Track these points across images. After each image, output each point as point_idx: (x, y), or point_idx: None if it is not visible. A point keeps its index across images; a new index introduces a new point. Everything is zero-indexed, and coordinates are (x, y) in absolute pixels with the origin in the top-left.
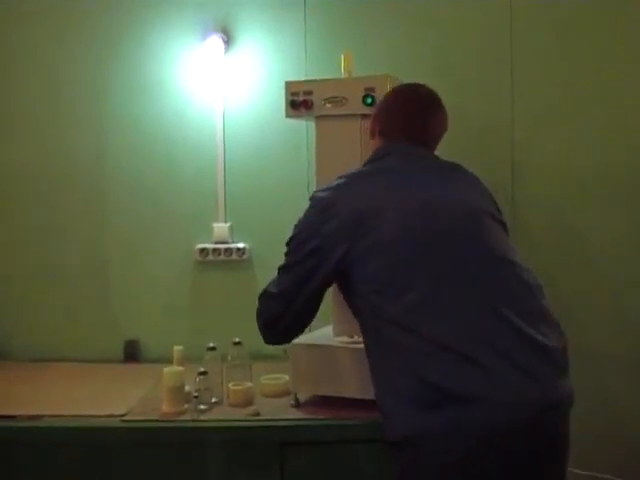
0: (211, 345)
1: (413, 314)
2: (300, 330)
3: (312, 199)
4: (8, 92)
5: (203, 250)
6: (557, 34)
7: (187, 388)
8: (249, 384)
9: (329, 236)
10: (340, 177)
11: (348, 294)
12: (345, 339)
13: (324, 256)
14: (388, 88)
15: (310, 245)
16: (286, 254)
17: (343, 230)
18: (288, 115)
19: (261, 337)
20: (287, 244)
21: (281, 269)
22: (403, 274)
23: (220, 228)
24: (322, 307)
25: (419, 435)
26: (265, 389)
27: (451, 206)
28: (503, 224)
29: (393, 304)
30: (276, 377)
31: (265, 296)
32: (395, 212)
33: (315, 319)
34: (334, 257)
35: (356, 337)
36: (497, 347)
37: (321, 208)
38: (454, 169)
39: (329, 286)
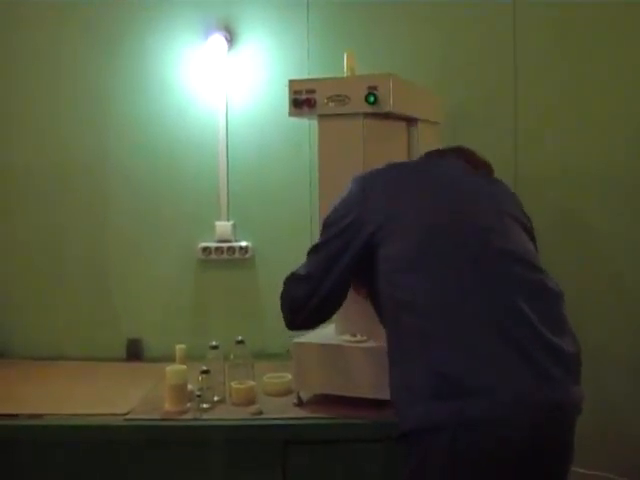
0: (213, 344)
1: (430, 303)
2: (325, 316)
3: (353, 180)
4: (9, 92)
5: (206, 249)
6: (560, 35)
7: (190, 387)
8: (252, 383)
9: (365, 211)
10: (386, 164)
11: (371, 277)
12: (348, 337)
13: (358, 229)
14: (391, 86)
15: (346, 221)
16: (321, 233)
17: (378, 207)
18: (291, 114)
19: (264, 335)
20: (323, 224)
21: (312, 250)
22: (424, 262)
23: (223, 227)
24: None
25: (428, 428)
26: (268, 388)
27: (482, 206)
28: (531, 235)
29: (413, 291)
30: (279, 376)
31: (293, 279)
32: (426, 204)
33: None
34: (367, 231)
35: (359, 336)
36: (511, 343)
37: (360, 187)
38: (494, 181)
39: (357, 268)
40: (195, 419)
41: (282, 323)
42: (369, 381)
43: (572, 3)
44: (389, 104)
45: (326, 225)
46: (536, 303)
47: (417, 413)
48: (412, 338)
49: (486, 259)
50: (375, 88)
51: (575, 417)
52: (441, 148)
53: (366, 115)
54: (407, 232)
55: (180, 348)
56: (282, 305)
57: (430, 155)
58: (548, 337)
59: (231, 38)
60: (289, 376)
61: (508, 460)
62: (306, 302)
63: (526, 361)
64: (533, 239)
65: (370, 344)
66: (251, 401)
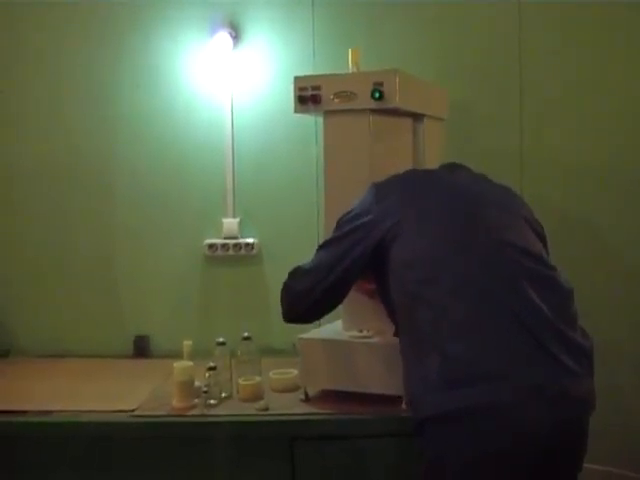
0: (220, 340)
1: (442, 294)
2: (321, 312)
3: (371, 185)
4: (15, 90)
5: (212, 245)
6: (565, 32)
7: (197, 383)
8: (258, 379)
9: (380, 212)
10: (403, 171)
11: (381, 275)
12: (355, 333)
13: (371, 229)
14: (397, 82)
15: (360, 220)
16: (333, 231)
17: (393, 208)
18: (296, 110)
19: (271, 331)
20: (337, 222)
21: (322, 246)
22: (438, 256)
23: (229, 223)
24: None
25: (443, 415)
26: (274, 384)
27: (497, 207)
28: (544, 241)
29: (426, 283)
30: (285, 372)
31: (297, 272)
32: (440, 204)
33: None
34: (380, 230)
35: (365, 331)
36: (525, 333)
37: (377, 190)
38: (507, 188)
39: (364, 267)
40: (202, 415)
41: None
42: (376, 377)
43: (577, 2)
44: (395, 100)
45: (339, 223)
46: (548, 297)
47: (432, 401)
48: (425, 329)
49: (499, 253)
50: (381, 84)
51: (590, 412)
52: (444, 164)
53: (372, 111)
54: (421, 230)
55: (187, 344)
56: (282, 297)
57: (444, 165)
58: (561, 328)
59: (236, 35)
60: (296, 372)
61: (524, 449)
62: (306, 295)
63: (540, 350)
64: (545, 244)
65: (377, 340)
66: (258, 397)
